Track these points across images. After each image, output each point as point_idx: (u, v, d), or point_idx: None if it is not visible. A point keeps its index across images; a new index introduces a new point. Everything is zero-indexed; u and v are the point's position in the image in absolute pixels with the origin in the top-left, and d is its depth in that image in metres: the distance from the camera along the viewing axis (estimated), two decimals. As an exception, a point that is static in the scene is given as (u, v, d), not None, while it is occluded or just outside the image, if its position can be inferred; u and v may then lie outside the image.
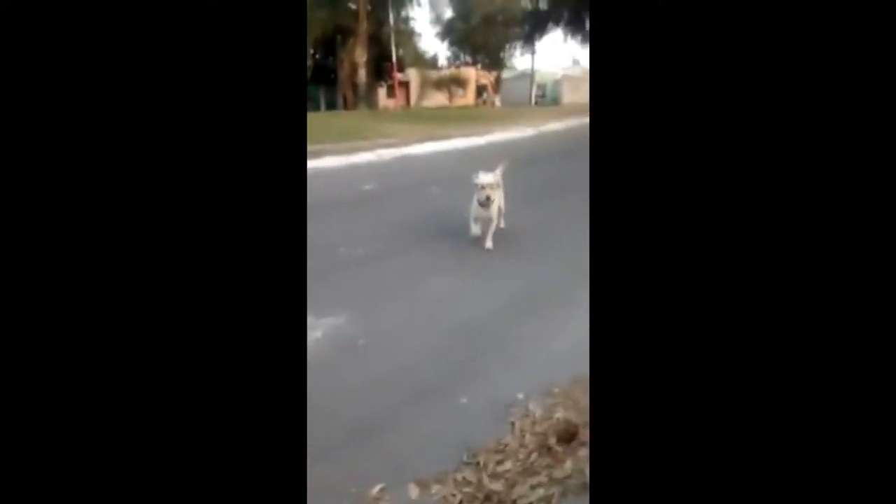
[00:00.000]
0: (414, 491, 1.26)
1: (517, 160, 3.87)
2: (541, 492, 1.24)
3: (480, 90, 23.45)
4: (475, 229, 3.19)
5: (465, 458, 1.37)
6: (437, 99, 19.84)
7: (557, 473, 1.29)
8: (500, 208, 3.18)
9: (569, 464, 1.31)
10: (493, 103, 22.78)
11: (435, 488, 1.27)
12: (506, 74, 24.39)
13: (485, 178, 2.97)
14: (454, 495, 1.25)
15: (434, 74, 20.77)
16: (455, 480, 1.30)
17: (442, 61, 27.09)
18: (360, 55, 16.07)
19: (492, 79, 23.42)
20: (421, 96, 17.51)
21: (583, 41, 22.37)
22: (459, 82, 21.04)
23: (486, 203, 2.92)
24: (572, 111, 14.91)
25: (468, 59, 25.50)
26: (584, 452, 1.36)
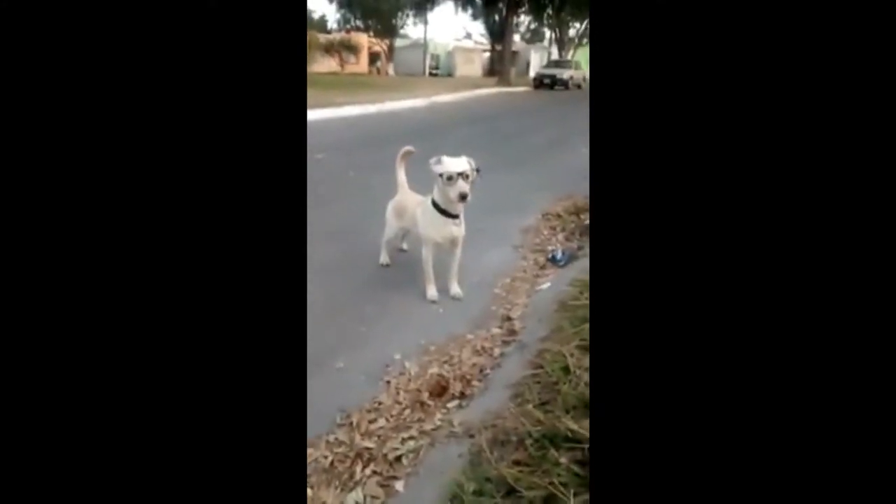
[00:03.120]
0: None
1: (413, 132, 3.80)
2: (411, 444, 1.28)
3: (374, 58, 22.75)
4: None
5: (338, 420, 1.37)
6: (327, 64, 18.88)
7: (427, 426, 1.34)
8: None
9: (438, 416, 1.38)
10: (386, 72, 22.28)
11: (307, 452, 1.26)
12: (399, 43, 23.90)
13: (455, 164, 1.85)
14: (326, 457, 1.25)
15: (323, 38, 19.64)
16: (327, 442, 1.29)
17: (331, 24, 25.71)
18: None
19: (385, 46, 22.81)
20: (309, 59, 16.47)
21: (473, 15, 22.54)
22: (351, 48, 20.16)
23: (460, 201, 1.84)
24: (465, 84, 15.09)
25: (359, 23, 24.49)
26: (453, 404, 1.43)
